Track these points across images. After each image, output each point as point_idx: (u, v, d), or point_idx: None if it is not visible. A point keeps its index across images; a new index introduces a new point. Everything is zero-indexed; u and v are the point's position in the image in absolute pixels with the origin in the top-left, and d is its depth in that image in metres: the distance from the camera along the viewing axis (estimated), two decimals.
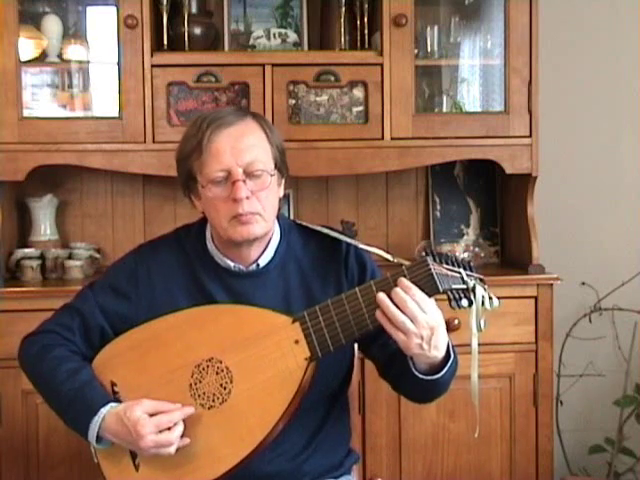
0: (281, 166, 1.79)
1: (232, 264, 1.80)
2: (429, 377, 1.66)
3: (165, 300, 1.78)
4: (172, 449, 1.64)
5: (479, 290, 1.60)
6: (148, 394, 1.68)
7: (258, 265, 1.81)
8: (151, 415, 1.64)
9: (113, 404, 1.69)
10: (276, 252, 1.82)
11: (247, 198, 1.70)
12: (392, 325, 1.58)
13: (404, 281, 1.59)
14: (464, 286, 1.61)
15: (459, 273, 1.62)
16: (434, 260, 1.61)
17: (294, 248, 1.84)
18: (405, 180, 3.12)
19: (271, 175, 1.73)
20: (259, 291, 1.78)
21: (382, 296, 1.59)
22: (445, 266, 1.61)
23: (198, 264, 1.82)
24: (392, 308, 1.58)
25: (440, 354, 1.63)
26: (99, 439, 1.70)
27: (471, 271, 1.64)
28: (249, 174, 1.71)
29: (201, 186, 1.74)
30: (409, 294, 1.57)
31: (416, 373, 1.65)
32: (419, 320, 1.57)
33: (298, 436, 1.77)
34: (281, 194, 1.82)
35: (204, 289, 1.79)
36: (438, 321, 1.60)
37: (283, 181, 1.82)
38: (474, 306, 1.60)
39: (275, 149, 1.77)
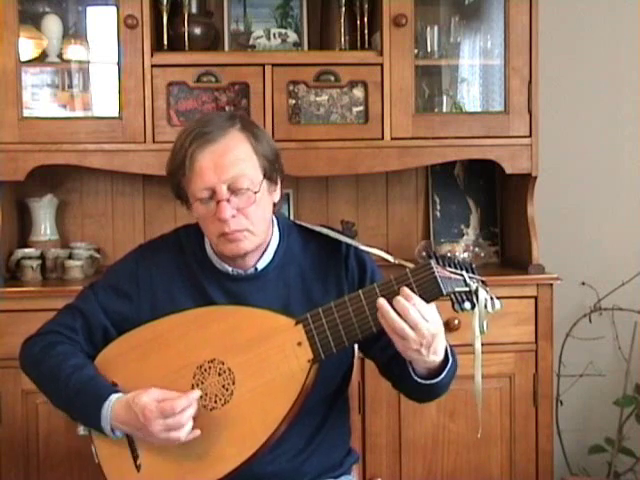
0: (272, 173, 1.75)
1: (230, 268, 1.80)
2: (428, 381, 1.67)
3: (166, 301, 1.78)
4: (182, 434, 1.61)
5: (482, 293, 1.60)
6: None
7: (257, 269, 1.81)
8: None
9: (120, 394, 1.69)
10: (275, 255, 1.82)
11: (233, 217, 1.69)
12: (391, 329, 1.58)
13: (406, 290, 1.58)
14: (467, 289, 1.61)
15: (461, 276, 1.62)
16: (437, 262, 1.61)
17: (293, 250, 1.84)
18: (405, 180, 3.13)
19: (255, 192, 1.70)
20: (258, 294, 1.78)
21: (382, 301, 1.59)
22: (448, 269, 1.61)
23: (197, 267, 1.82)
24: (392, 314, 1.57)
25: (438, 358, 1.63)
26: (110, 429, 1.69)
27: (473, 273, 1.64)
28: (234, 191, 1.69)
29: (190, 203, 1.74)
30: (410, 302, 1.57)
31: (415, 378, 1.66)
32: (420, 327, 1.56)
33: (298, 436, 1.77)
34: (277, 199, 1.80)
35: (204, 291, 1.79)
36: (438, 328, 1.60)
37: (278, 185, 1.80)
38: (477, 309, 1.61)
39: (263, 159, 1.73)
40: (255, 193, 1.71)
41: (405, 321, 1.56)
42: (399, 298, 1.57)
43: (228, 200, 1.69)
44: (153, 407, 1.62)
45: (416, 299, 1.57)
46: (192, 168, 1.69)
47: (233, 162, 1.69)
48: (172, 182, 1.76)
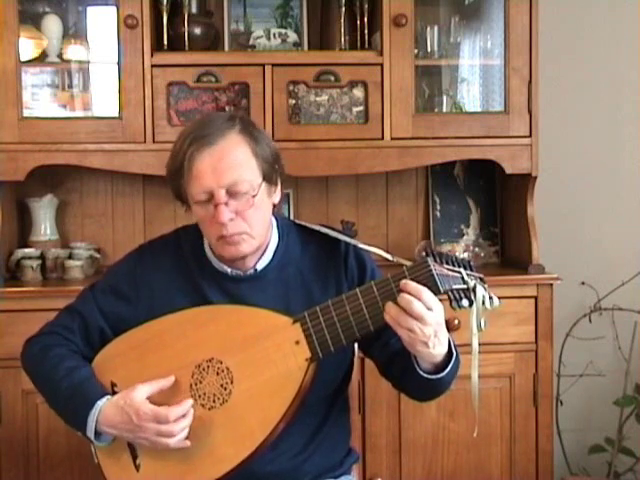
0: (271, 175, 1.74)
1: (229, 269, 1.80)
2: (433, 376, 1.66)
3: (164, 302, 1.78)
4: (172, 441, 1.63)
5: (479, 290, 1.60)
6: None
7: (256, 270, 1.80)
8: (150, 401, 1.65)
9: (109, 396, 1.69)
10: (274, 255, 1.82)
11: (231, 220, 1.69)
12: (397, 324, 1.58)
13: (412, 285, 1.57)
14: (464, 286, 1.60)
15: (459, 273, 1.61)
16: (434, 260, 1.60)
17: (293, 250, 1.83)
18: (405, 180, 3.13)
19: (254, 196, 1.69)
20: (257, 294, 1.77)
21: (390, 304, 1.58)
22: (445, 266, 1.61)
23: (195, 267, 1.81)
24: (396, 308, 1.57)
25: (444, 349, 1.62)
26: (98, 435, 1.70)
27: (471, 270, 1.63)
28: (232, 194, 1.68)
29: (189, 205, 1.74)
30: (417, 296, 1.56)
31: (421, 373, 1.65)
32: (426, 319, 1.56)
33: (298, 436, 1.77)
34: (277, 200, 1.79)
35: (202, 292, 1.79)
36: (441, 315, 1.59)
37: (278, 186, 1.79)
38: (474, 306, 1.60)
39: (262, 161, 1.71)
40: (253, 197, 1.70)
41: (410, 315, 1.56)
42: (403, 295, 1.57)
43: (226, 203, 1.68)
44: (147, 409, 1.63)
45: (424, 292, 1.56)
46: (190, 171, 1.68)
47: (231, 166, 1.68)
48: (172, 184, 1.75)
